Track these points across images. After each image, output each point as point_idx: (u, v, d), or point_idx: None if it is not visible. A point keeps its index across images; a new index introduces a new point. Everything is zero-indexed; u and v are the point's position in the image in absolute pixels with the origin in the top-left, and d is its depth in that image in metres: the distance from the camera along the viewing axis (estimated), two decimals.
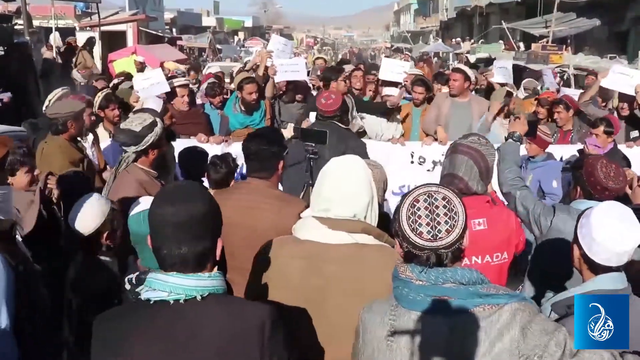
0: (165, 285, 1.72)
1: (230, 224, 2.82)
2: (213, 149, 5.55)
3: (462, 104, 6.40)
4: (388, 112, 6.69)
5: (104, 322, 1.79)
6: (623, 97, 6.67)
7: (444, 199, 1.81)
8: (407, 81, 7.09)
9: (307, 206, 2.95)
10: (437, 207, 1.80)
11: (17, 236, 2.94)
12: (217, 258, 1.83)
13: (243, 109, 6.27)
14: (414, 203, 1.82)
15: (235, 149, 5.54)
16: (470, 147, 2.82)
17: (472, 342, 1.73)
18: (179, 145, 5.15)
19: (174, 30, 34.16)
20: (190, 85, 7.40)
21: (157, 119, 3.74)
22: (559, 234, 2.98)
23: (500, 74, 8.16)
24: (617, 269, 2.20)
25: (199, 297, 1.72)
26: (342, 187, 2.30)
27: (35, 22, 19.40)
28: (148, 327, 1.72)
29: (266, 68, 6.78)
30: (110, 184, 3.75)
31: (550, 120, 6.89)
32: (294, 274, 2.26)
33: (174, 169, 4.71)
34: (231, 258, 2.95)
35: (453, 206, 1.81)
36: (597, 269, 2.21)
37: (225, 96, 7.00)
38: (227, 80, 9.32)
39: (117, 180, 3.68)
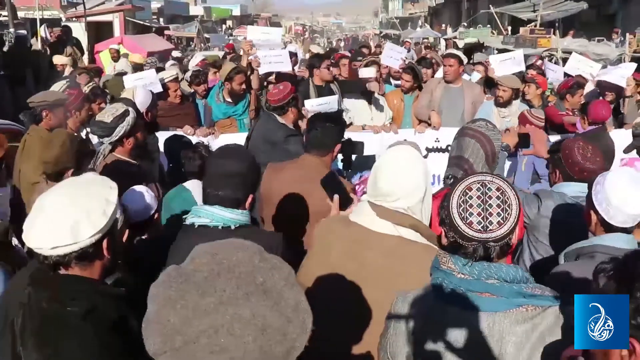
0: (209, 214, 2.31)
1: (282, 194, 3.19)
2: (194, 139, 5.42)
3: (455, 89, 6.38)
4: (367, 93, 6.57)
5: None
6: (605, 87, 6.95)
7: (497, 189, 1.73)
8: (401, 68, 7.11)
9: (353, 189, 3.16)
10: (490, 197, 1.72)
11: (13, 239, 2.95)
12: (246, 208, 2.39)
13: (228, 99, 6.20)
14: (466, 191, 1.74)
15: (222, 142, 5.51)
16: (477, 131, 2.93)
17: (512, 342, 1.66)
18: (165, 136, 5.14)
19: (161, 20, 33.91)
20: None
21: (130, 109, 3.78)
22: (546, 220, 3.06)
23: (505, 66, 7.44)
24: (629, 232, 2.33)
25: (233, 227, 2.31)
26: (398, 180, 2.25)
27: (20, 14, 19.16)
28: (192, 245, 1.87)
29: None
30: None
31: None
32: (335, 254, 2.27)
33: (158, 158, 4.70)
34: (278, 222, 3.22)
35: (507, 198, 1.73)
36: (613, 231, 2.33)
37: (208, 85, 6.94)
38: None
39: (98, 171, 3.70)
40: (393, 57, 7.58)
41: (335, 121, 3.43)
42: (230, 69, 6.19)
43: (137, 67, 10.34)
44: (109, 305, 1.80)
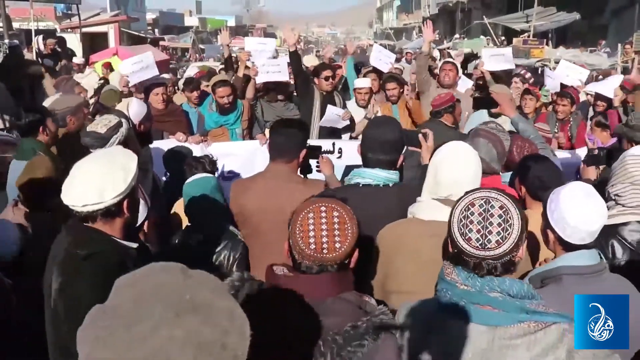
0: (371, 175, 2.85)
1: (259, 207, 3.19)
2: (193, 149, 5.49)
3: None
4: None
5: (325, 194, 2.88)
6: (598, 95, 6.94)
7: (501, 207, 1.72)
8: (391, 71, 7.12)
9: (327, 187, 3.37)
10: (492, 215, 1.71)
11: None
12: (397, 166, 2.92)
13: (218, 108, 6.18)
14: (469, 207, 1.74)
15: (215, 150, 5.55)
16: (489, 132, 3.21)
17: (512, 358, 1.64)
18: (161, 145, 5.13)
19: (156, 30, 33.89)
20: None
21: (123, 120, 3.82)
22: None
23: (495, 61, 7.53)
24: (589, 247, 2.22)
25: (390, 184, 2.85)
26: (460, 172, 2.40)
27: (15, 25, 19.12)
28: (359, 197, 2.62)
29: (247, 68, 6.67)
30: None
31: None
32: (425, 251, 2.32)
33: (151, 170, 4.65)
34: (259, 237, 3.18)
35: (509, 217, 1.71)
36: (572, 249, 2.22)
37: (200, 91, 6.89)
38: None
39: None
40: (382, 59, 7.50)
41: (298, 126, 3.42)
42: (216, 81, 6.14)
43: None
44: (110, 252, 2.26)
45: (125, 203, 2.30)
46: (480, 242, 1.69)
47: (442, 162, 2.47)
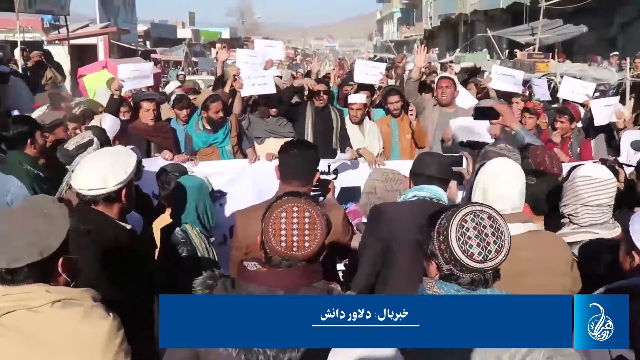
0: (430, 190, 2.94)
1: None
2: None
3: (450, 114, 6.20)
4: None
5: (378, 209, 3.02)
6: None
7: (489, 218, 1.82)
8: (382, 82, 7.09)
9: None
10: (484, 227, 1.80)
11: None
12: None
13: (207, 127, 5.99)
14: (462, 224, 1.81)
15: (202, 169, 5.39)
16: (499, 153, 3.29)
17: None
18: (149, 164, 5.02)
19: (147, 43, 33.57)
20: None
21: (95, 139, 3.94)
22: None
23: (503, 80, 7.45)
24: None
25: (436, 200, 2.91)
26: (509, 187, 2.60)
27: (0, 36, 18.68)
28: (411, 211, 2.83)
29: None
30: None
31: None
32: None
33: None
34: None
35: (499, 225, 1.81)
36: None
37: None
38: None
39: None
40: (369, 73, 7.24)
41: (313, 149, 3.27)
42: (206, 97, 5.98)
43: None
44: (107, 229, 2.76)
45: (124, 191, 2.79)
46: (482, 255, 1.77)
47: (491, 177, 2.63)
